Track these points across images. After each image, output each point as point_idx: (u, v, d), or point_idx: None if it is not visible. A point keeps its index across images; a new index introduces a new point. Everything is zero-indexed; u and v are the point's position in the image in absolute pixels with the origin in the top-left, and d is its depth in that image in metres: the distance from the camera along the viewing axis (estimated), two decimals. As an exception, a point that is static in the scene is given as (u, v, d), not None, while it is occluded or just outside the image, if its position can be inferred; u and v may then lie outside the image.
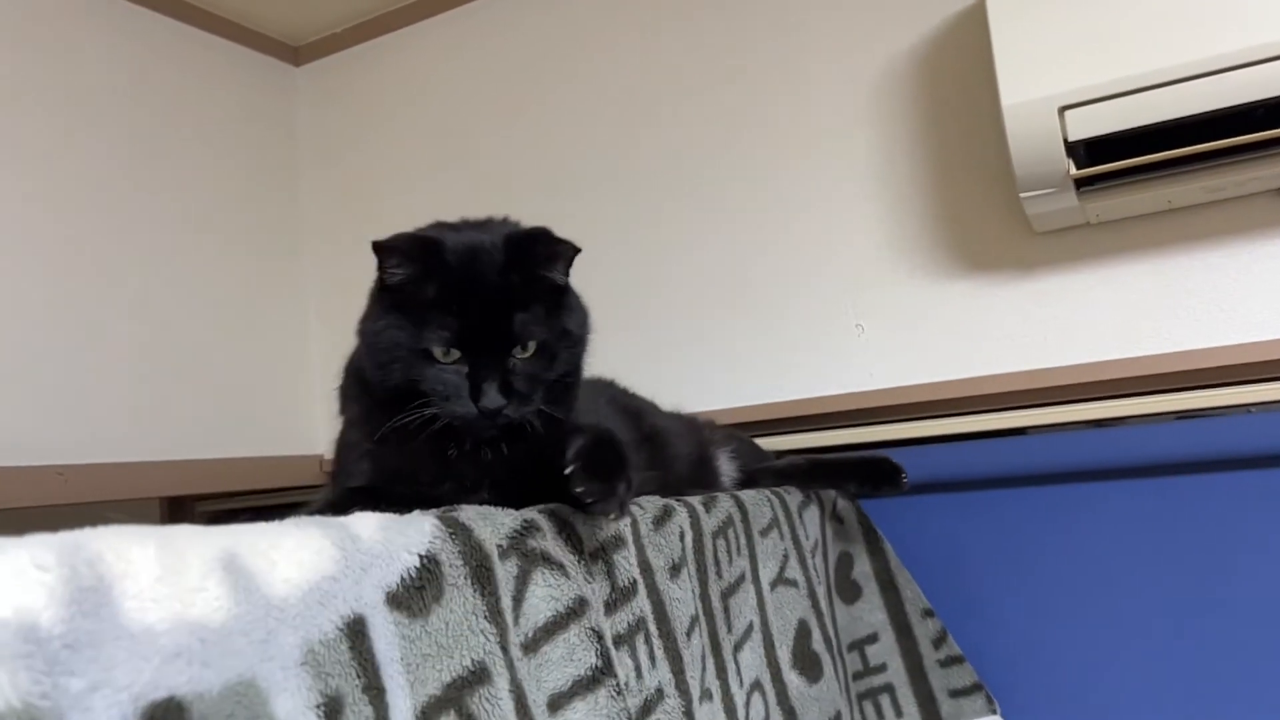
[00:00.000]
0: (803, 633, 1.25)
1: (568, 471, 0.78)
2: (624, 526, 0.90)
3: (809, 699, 1.22)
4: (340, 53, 2.24)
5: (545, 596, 0.74)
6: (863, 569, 1.48)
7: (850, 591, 1.47)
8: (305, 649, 0.52)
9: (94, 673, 0.42)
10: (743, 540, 1.17)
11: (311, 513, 0.82)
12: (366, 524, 0.62)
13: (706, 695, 0.99)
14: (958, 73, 1.61)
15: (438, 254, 0.88)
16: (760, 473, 1.43)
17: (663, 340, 1.81)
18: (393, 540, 0.62)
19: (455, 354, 0.86)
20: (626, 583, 0.87)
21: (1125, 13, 1.23)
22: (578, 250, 0.93)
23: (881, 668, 1.44)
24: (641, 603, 0.89)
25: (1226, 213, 1.43)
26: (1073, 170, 1.30)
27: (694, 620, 0.99)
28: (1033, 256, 1.54)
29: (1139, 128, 1.24)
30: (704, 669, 1.00)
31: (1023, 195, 1.37)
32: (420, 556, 0.63)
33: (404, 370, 0.87)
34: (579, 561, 0.79)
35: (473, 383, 0.86)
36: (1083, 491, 1.48)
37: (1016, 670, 1.49)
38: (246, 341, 2.07)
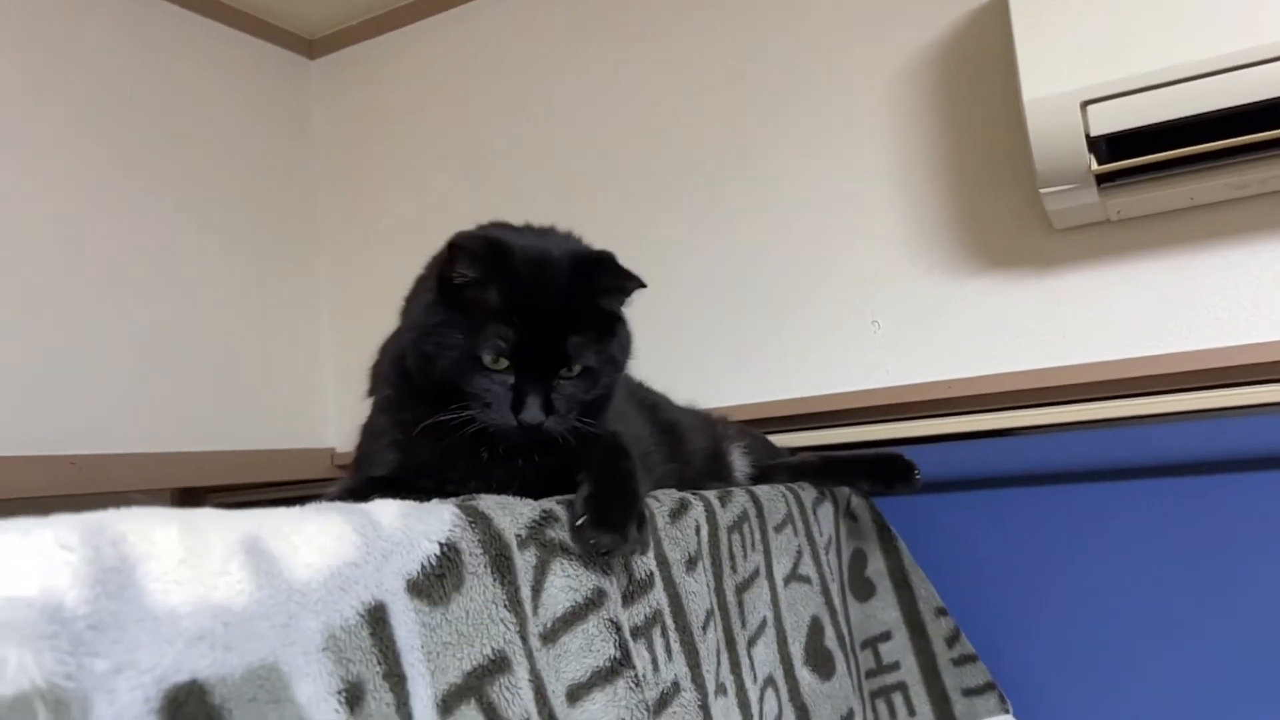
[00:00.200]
0: (815, 630, 1.25)
1: (578, 524, 0.77)
2: (641, 519, 0.90)
3: (821, 696, 1.21)
4: (355, 46, 2.23)
5: (564, 587, 0.73)
6: (876, 567, 1.48)
7: (864, 589, 1.46)
8: (327, 634, 0.52)
9: (118, 654, 0.42)
10: (757, 535, 1.16)
11: (331, 499, 0.81)
12: (387, 511, 0.61)
13: (721, 690, 0.98)
14: (977, 68, 1.60)
15: (506, 261, 0.88)
16: (774, 469, 1.42)
17: (677, 336, 1.80)
18: (413, 527, 0.61)
19: (504, 363, 0.86)
20: (643, 575, 0.87)
21: (1150, 6, 1.22)
22: (642, 285, 0.93)
23: (894, 666, 1.43)
24: (658, 595, 0.89)
25: (1249, 210, 1.41)
26: (1094, 166, 1.29)
27: (709, 614, 0.98)
28: (1051, 253, 1.53)
29: (1162, 123, 1.23)
30: (719, 663, 0.99)
31: (1043, 191, 1.36)
32: (440, 544, 0.63)
33: (450, 370, 0.87)
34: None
35: (516, 395, 0.86)
36: (1099, 491, 1.47)
37: (1030, 670, 1.49)
38: (259, 334, 2.07)
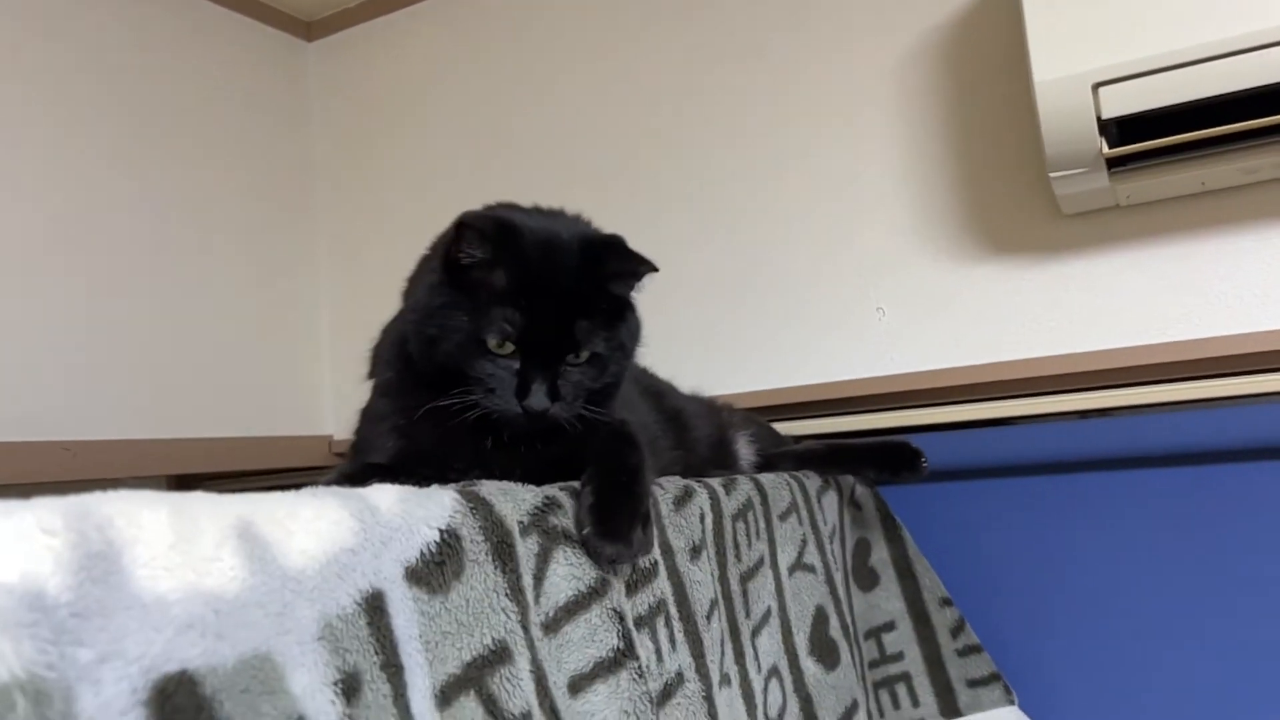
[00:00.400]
0: (820, 619, 1.23)
1: (583, 534, 0.75)
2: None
3: (826, 686, 1.20)
4: (354, 28, 2.21)
5: (566, 575, 0.71)
6: (880, 556, 1.46)
7: (868, 579, 1.44)
8: (323, 623, 0.50)
9: (103, 643, 0.40)
10: (762, 524, 1.14)
11: (328, 485, 0.79)
12: (385, 496, 0.59)
13: (725, 680, 0.96)
14: (986, 51, 1.57)
15: (515, 242, 0.86)
16: (779, 457, 1.41)
17: (683, 323, 1.78)
18: (412, 513, 0.59)
19: (510, 348, 0.84)
20: (647, 564, 0.85)
21: (1164, -14, 1.20)
22: (653, 269, 0.91)
23: (898, 656, 1.42)
24: (662, 584, 0.87)
25: (1260, 196, 1.39)
26: (1105, 149, 1.27)
27: (713, 604, 0.97)
28: (1060, 239, 1.51)
29: (1175, 105, 1.21)
30: (723, 653, 0.97)
31: (1052, 175, 1.34)
32: (441, 531, 0.61)
33: (454, 354, 0.85)
34: (601, 539, 0.76)
35: (521, 380, 0.84)
36: (1106, 480, 1.46)
37: (1037, 661, 1.47)
38: (256, 321, 2.05)
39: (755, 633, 1.08)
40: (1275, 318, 1.38)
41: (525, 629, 0.66)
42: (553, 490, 0.75)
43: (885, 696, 1.40)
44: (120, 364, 1.77)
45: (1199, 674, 1.39)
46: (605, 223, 1.74)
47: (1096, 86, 1.23)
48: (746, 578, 1.08)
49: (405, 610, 0.57)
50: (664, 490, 0.94)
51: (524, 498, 0.70)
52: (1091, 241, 1.49)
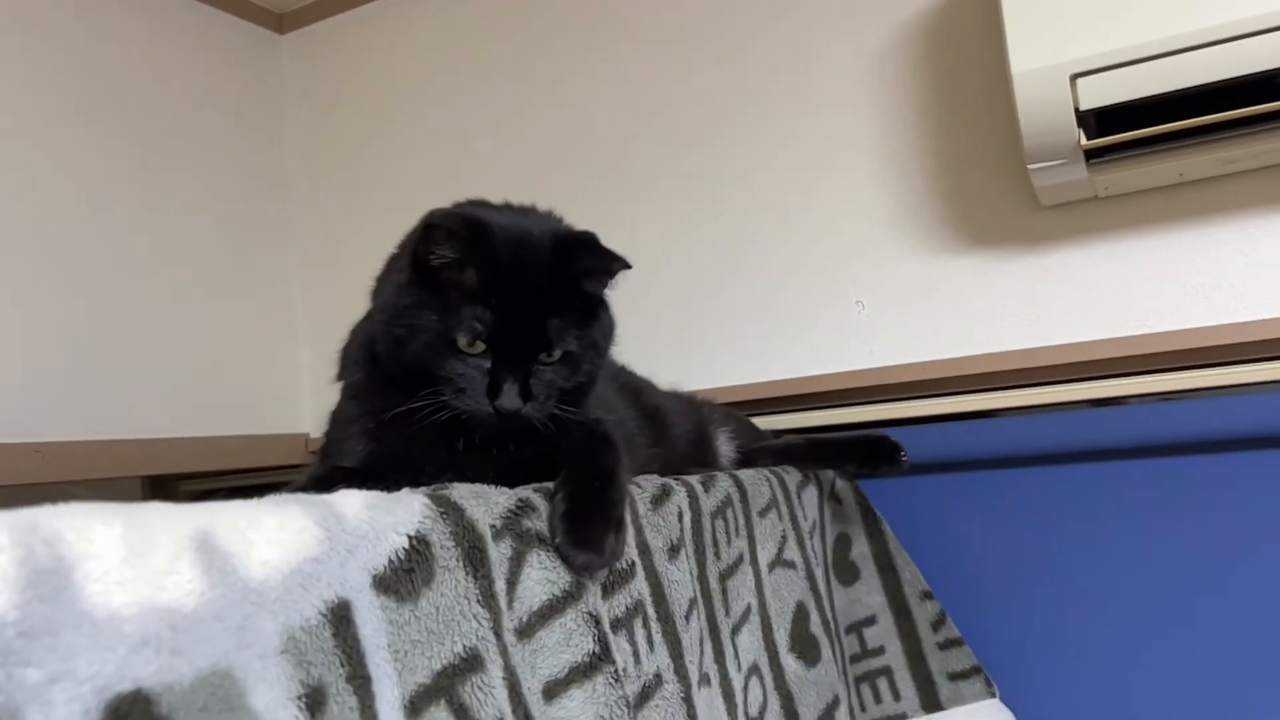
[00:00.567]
0: (801, 615, 1.23)
1: (555, 542, 0.74)
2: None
3: (807, 682, 1.19)
4: (326, 20, 2.17)
5: (540, 579, 0.70)
6: (861, 550, 1.46)
7: (848, 573, 1.44)
8: (286, 636, 0.49)
9: (53, 663, 0.39)
10: (741, 521, 1.14)
11: (296, 490, 0.78)
12: (352, 502, 0.58)
13: (705, 680, 0.96)
14: (964, 42, 1.57)
15: (485, 240, 0.84)
16: (758, 452, 1.40)
17: (660, 318, 1.77)
18: (380, 520, 0.58)
19: (480, 347, 0.83)
20: (624, 565, 0.84)
21: (1141, -24, 1.20)
22: (626, 266, 0.90)
23: (880, 650, 1.41)
24: (640, 585, 0.86)
25: (1238, 186, 1.39)
26: (1083, 140, 1.26)
27: (692, 603, 0.96)
28: (1039, 231, 1.51)
29: (1152, 96, 1.20)
30: (702, 653, 0.96)
31: (1031, 167, 1.33)
32: (409, 537, 0.59)
33: (423, 354, 0.83)
34: (576, 542, 0.75)
35: (493, 380, 0.83)
36: (1087, 472, 1.46)
37: (1017, 653, 1.47)
38: (231, 317, 2.02)
39: (735, 631, 1.07)
40: (1253, 309, 1.38)
41: (498, 635, 0.65)
42: (526, 492, 0.74)
43: (867, 691, 1.40)
44: (92, 364, 1.74)
45: (1180, 665, 1.39)
46: (582, 218, 1.73)
47: (1074, 78, 1.22)
48: (726, 575, 1.07)
49: (373, 619, 0.55)
50: (641, 489, 0.93)
51: (496, 501, 0.69)
52: (1070, 233, 1.49)
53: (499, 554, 0.67)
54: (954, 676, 1.40)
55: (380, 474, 0.82)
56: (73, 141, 1.77)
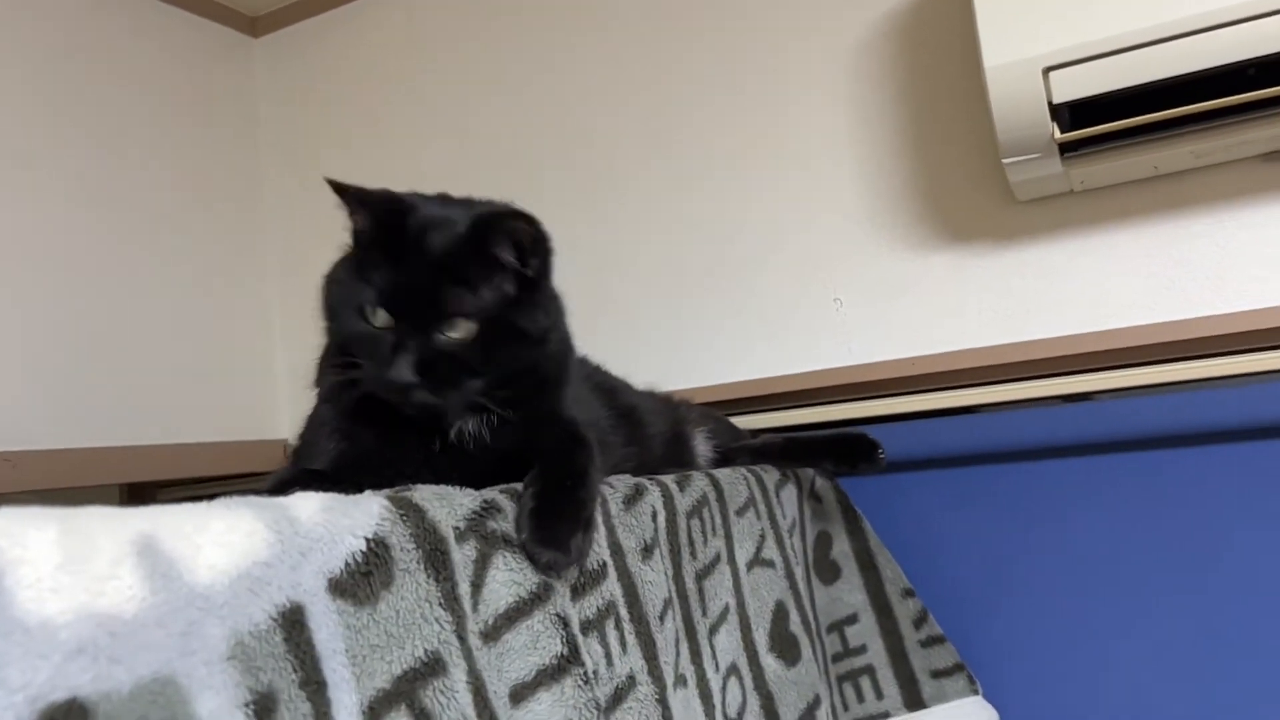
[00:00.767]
0: (780, 614, 1.22)
1: (521, 540, 0.73)
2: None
3: (787, 682, 1.18)
4: (301, 23, 2.16)
5: (507, 581, 0.69)
6: (842, 549, 1.45)
7: (829, 572, 1.43)
8: (233, 641, 0.47)
9: (-18, 672, 0.37)
10: (718, 520, 1.13)
11: (264, 493, 0.76)
12: (307, 505, 0.57)
13: (681, 681, 0.94)
14: (938, 37, 1.56)
15: (394, 210, 0.84)
16: (736, 451, 1.39)
17: (635, 317, 1.76)
18: (336, 523, 0.57)
19: (384, 318, 0.81)
20: (595, 566, 0.83)
21: (1111, -31, 1.19)
22: (540, 236, 0.87)
23: (862, 649, 1.40)
24: (611, 586, 0.85)
25: (1212, 179, 1.39)
26: (1057, 134, 1.26)
27: (667, 603, 0.95)
28: (1015, 226, 1.50)
29: (1126, 89, 1.20)
30: (678, 654, 0.95)
31: (1005, 161, 1.33)
32: (367, 540, 0.58)
33: (342, 324, 0.84)
34: (543, 543, 0.74)
35: (392, 351, 0.81)
36: (1066, 467, 1.45)
37: (999, 650, 1.47)
38: (208, 322, 2.00)
39: (713, 631, 1.06)
40: (1229, 302, 1.38)
41: (461, 638, 0.63)
42: (492, 493, 0.72)
43: (849, 690, 1.39)
44: (65, 372, 1.72)
45: (1161, 658, 1.38)
46: (557, 216, 1.70)
47: (1047, 71, 1.22)
48: (703, 575, 1.06)
49: (329, 624, 0.54)
50: (613, 489, 0.92)
51: (460, 502, 0.68)
52: (1046, 228, 1.49)
53: (463, 556, 0.66)
54: (936, 674, 1.39)
55: (350, 476, 0.81)
56: (45, 146, 1.75)
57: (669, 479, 1.05)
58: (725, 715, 1.04)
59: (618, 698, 0.81)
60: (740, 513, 1.19)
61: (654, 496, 0.98)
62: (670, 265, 1.75)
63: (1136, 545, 1.41)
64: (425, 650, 0.60)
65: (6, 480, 1.56)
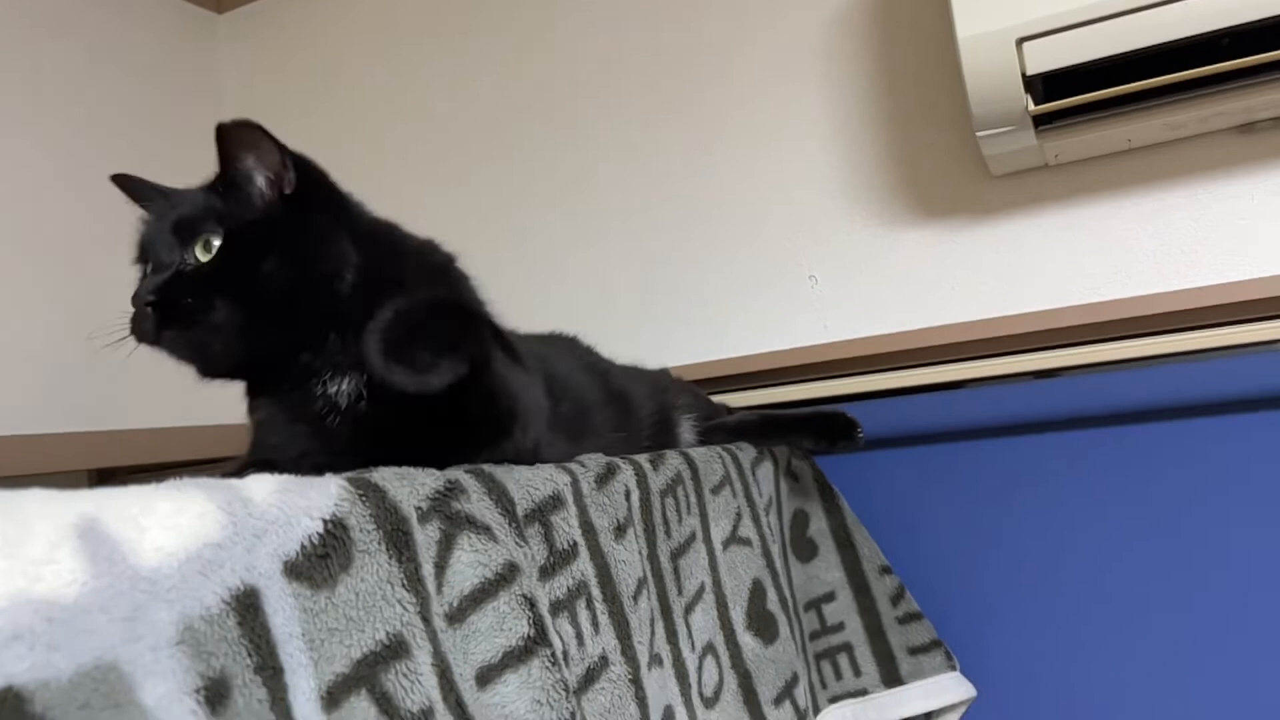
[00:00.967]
0: (757, 593, 1.21)
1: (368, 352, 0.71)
2: (564, 486, 0.85)
3: (765, 660, 1.18)
4: None
5: (472, 562, 0.68)
6: (819, 527, 1.44)
7: (806, 550, 1.42)
8: (182, 626, 0.46)
9: (-93, 664, 0.36)
10: (693, 499, 1.11)
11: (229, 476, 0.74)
12: (262, 486, 0.55)
13: (656, 660, 0.94)
14: (910, 9, 1.55)
15: (151, 188, 0.88)
16: (712, 429, 1.38)
17: (608, 295, 1.75)
18: (291, 504, 0.55)
19: (146, 265, 0.83)
20: (566, 545, 0.81)
21: (1086, -64, 1.18)
22: (252, 128, 0.84)
23: (839, 627, 1.40)
24: (583, 566, 0.83)
25: (1186, 152, 1.39)
26: (1031, 106, 1.25)
27: (641, 583, 0.94)
28: (990, 201, 1.50)
29: (1099, 60, 1.19)
30: (653, 633, 0.94)
31: (979, 134, 1.32)
32: (324, 521, 0.56)
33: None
34: (509, 524, 0.73)
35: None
36: (1042, 442, 1.45)
37: (976, 626, 1.47)
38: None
39: (688, 610, 1.05)
40: (1204, 275, 1.38)
41: (426, 620, 0.62)
42: (455, 473, 0.71)
43: (827, 668, 1.39)
44: (29, 353, 1.69)
45: (1140, 634, 1.39)
46: (529, 195, 1.69)
47: (1020, 41, 1.20)
48: (678, 554, 1.05)
49: (285, 608, 0.53)
50: (585, 468, 0.91)
51: (423, 482, 0.66)
52: (1021, 202, 1.48)
53: (425, 537, 0.64)
54: (914, 650, 1.39)
55: (269, 461, 0.78)
56: (1, 122, 1.71)
57: (642, 458, 1.04)
58: (702, 694, 1.03)
59: (589, 678, 0.80)
60: (716, 491, 1.18)
61: (627, 475, 0.97)
62: (644, 243, 1.74)
63: (1113, 520, 1.41)
64: (387, 633, 0.58)
65: (-32, 467, 1.53)
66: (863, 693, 1.37)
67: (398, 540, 0.61)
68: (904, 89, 1.56)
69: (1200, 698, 1.34)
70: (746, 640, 1.16)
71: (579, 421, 1.06)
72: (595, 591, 0.84)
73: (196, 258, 0.80)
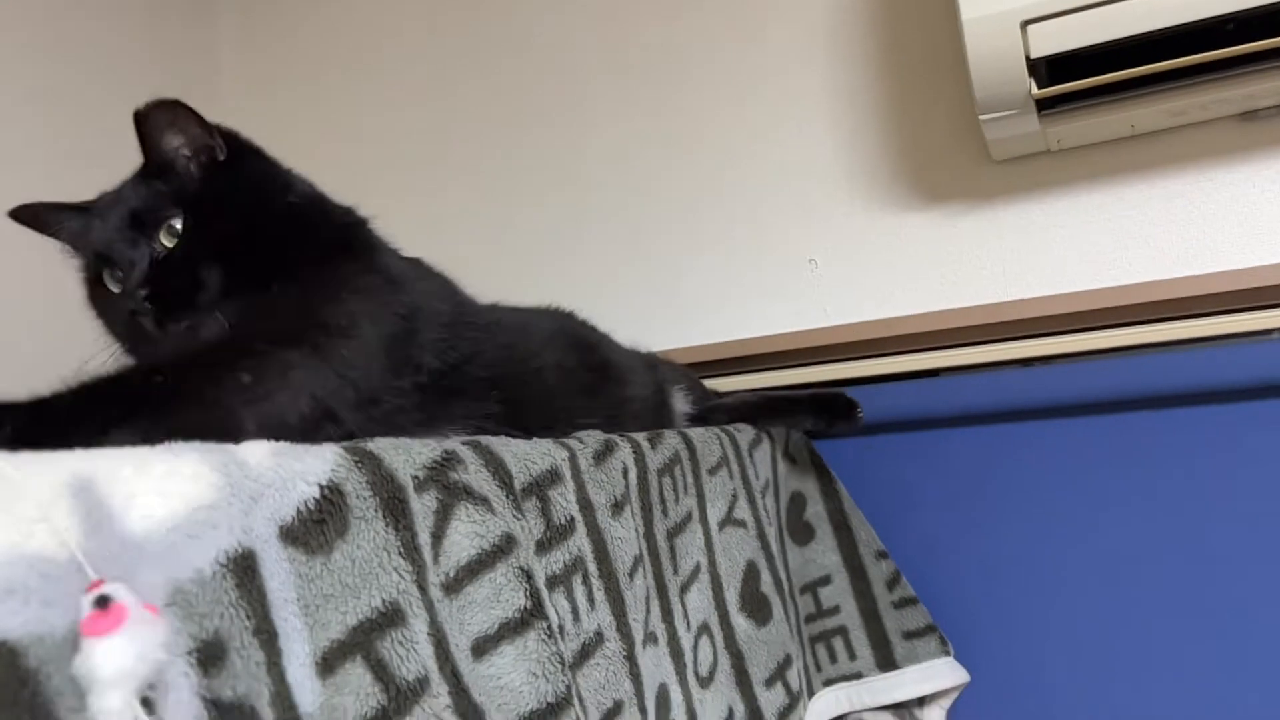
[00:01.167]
0: (751, 574, 1.21)
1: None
2: (562, 461, 0.84)
3: (757, 642, 1.18)
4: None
5: (469, 533, 0.67)
6: (815, 510, 1.44)
7: (803, 533, 1.43)
8: (172, 588, 0.45)
9: (-100, 614, 0.35)
10: (690, 478, 1.11)
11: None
12: (257, 450, 0.55)
13: (651, 638, 0.94)
14: (916, -7, 1.54)
15: (77, 206, 0.86)
16: (712, 410, 1.38)
17: (608, 277, 1.74)
18: (288, 467, 0.55)
19: (118, 273, 0.81)
20: (563, 520, 0.81)
21: (1092, -82, 1.17)
22: (173, 105, 0.85)
23: (835, 610, 1.40)
24: (580, 541, 0.83)
25: (1189, 138, 1.38)
26: (1034, 90, 1.25)
27: (637, 560, 0.93)
28: (992, 186, 1.49)
29: (1103, 44, 1.18)
30: (648, 611, 0.94)
31: (982, 118, 1.31)
32: (321, 486, 0.56)
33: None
34: (506, 496, 0.72)
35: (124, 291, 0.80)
36: (1042, 429, 1.45)
37: (972, 611, 1.47)
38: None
39: (684, 589, 1.05)
40: (1204, 262, 1.37)
41: (422, 589, 0.62)
42: (452, 444, 0.71)
43: (822, 651, 1.39)
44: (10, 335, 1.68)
45: (1133, 623, 1.39)
46: (529, 179, 1.68)
47: (1025, 24, 1.20)
48: (674, 533, 1.05)
49: (280, 572, 0.52)
50: (583, 444, 0.91)
51: (419, 451, 0.66)
52: (1023, 188, 1.48)
53: (422, 506, 0.64)
54: (909, 635, 1.39)
55: None
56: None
57: (640, 436, 1.04)
58: (697, 674, 1.03)
59: (585, 653, 0.80)
60: (713, 471, 1.18)
61: (625, 453, 0.97)
62: (645, 226, 1.73)
63: (1112, 508, 1.41)
64: (383, 600, 0.58)
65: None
66: (857, 676, 1.38)
67: (394, 508, 0.61)
68: (906, 72, 1.56)
69: (1195, 684, 1.35)
70: (739, 621, 1.16)
71: (519, 389, 1.00)
72: (591, 567, 0.84)
73: (163, 244, 0.80)
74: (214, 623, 0.47)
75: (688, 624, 1.04)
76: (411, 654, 0.59)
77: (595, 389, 1.13)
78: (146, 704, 0.43)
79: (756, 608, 1.19)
